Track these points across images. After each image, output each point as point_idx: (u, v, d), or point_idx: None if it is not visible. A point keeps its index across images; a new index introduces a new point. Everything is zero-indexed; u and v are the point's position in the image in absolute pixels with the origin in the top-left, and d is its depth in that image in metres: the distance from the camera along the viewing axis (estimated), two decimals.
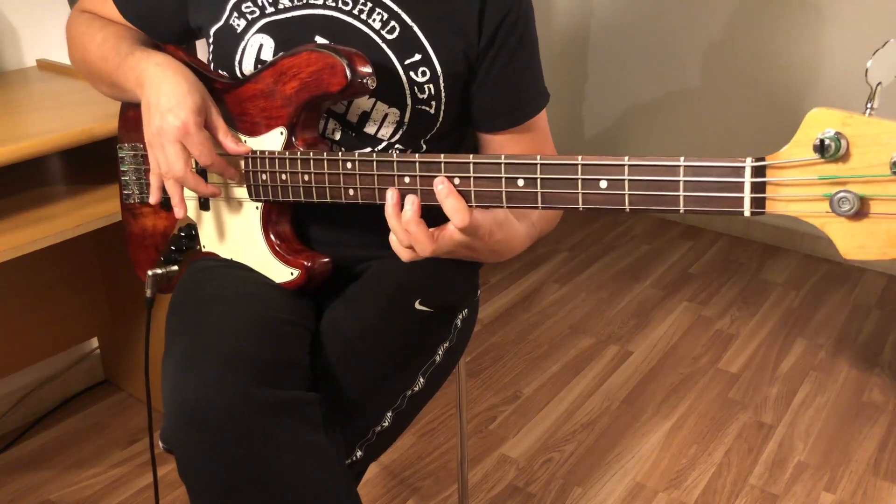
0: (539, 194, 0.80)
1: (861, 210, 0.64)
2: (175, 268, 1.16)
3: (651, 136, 3.12)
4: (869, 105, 0.65)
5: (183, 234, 1.15)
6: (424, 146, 1.10)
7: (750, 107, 2.84)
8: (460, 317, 1.15)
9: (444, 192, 0.85)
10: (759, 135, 2.83)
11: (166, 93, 0.97)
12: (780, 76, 2.74)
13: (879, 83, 0.66)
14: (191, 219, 1.13)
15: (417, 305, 1.08)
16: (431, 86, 1.03)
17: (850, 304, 2.52)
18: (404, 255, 0.90)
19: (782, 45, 2.71)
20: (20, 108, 1.52)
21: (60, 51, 1.77)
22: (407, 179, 0.88)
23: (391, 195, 0.87)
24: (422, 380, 1.07)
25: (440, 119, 1.07)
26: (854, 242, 0.65)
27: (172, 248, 1.16)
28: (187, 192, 1.10)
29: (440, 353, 1.10)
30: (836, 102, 2.60)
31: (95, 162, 1.55)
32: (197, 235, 1.14)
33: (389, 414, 1.03)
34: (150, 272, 1.15)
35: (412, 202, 0.86)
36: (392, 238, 0.90)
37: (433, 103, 1.04)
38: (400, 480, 1.75)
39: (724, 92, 2.88)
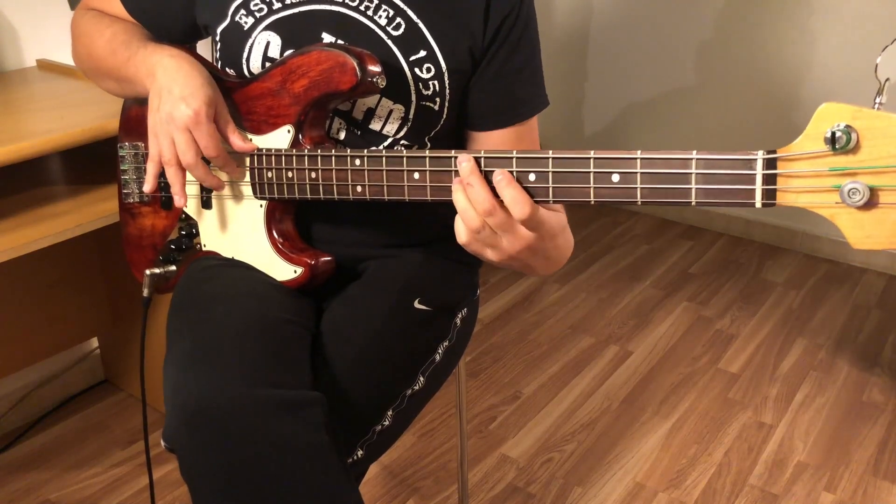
0: (550, 188, 0.79)
1: (870, 200, 0.65)
2: (173, 268, 1.16)
3: (650, 134, 3.12)
4: (878, 99, 0.66)
5: (183, 232, 1.14)
6: (429, 143, 1.10)
7: (746, 103, 2.85)
8: (460, 316, 1.15)
9: (504, 182, 0.79)
10: (756, 130, 2.84)
11: (180, 82, 0.97)
12: (775, 73, 2.75)
13: (888, 79, 0.67)
14: (191, 217, 1.13)
15: (417, 304, 1.08)
16: (436, 82, 1.03)
17: (850, 304, 2.52)
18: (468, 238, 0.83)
19: (776, 42, 2.72)
20: (20, 108, 1.52)
21: (60, 51, 1.77)
22: (416, 175, 0.88)
23: (465, 161, 0.81)
24: (422, 379, 1.07)
25: (444, 116, 1.07)
26: (863, 232, 0.66)
27: (172, 247, 1.16)
28: (191, 191, 1.10)
29: (440, 352, 1.10)
30: (827, 95, 2.64)
31: (95, 162, 1.55)
32: (197, 234, 1.13)
33: (390, 413, 1.03)
34: (147, 272, 1.15)
35: (467, 158, 0.81)
36: (462, 228, 0.83)
37: (437, 100, 1.04)
38: (400, 480, 1.75)
39: (722, 89, 2.89)
